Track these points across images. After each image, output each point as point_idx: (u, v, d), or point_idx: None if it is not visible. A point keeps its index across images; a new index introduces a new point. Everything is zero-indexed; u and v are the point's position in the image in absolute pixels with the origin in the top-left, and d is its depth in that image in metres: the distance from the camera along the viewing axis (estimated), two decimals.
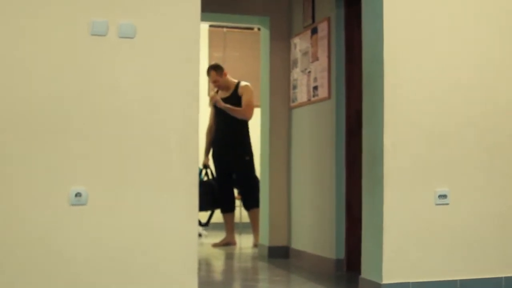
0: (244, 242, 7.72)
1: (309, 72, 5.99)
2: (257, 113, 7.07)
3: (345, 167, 5.47)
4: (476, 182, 4.42)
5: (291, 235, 6.35)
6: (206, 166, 7.69)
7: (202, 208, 6.53)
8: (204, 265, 5.95)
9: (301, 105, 6.14)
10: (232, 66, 8.82)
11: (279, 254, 6.34)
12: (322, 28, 5.75)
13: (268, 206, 6.44)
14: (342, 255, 5.46)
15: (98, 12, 3.80)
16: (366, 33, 4.49)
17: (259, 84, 6.82)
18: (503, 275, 4.42)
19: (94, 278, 3.75)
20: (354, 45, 5.40)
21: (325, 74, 5.67)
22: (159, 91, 3.90)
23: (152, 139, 3.87)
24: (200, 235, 8.23)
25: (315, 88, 5.84)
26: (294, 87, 6.31)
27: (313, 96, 5.88)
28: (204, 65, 8.42)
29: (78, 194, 3.72)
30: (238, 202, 7.79)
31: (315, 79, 5.85)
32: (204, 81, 8.58)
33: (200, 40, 3.98)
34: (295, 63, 6.31)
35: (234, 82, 7.29)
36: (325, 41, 5.69)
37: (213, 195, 7.45)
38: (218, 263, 6.31)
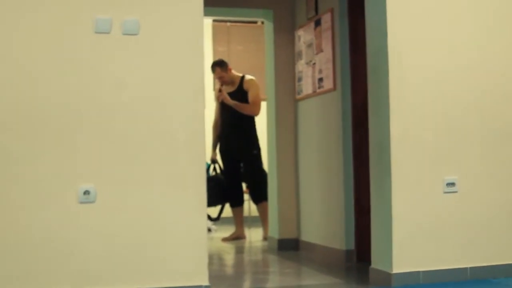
0: (254, 236, 7.73)
1: (314, 64, 5.98)
2: (263, 106, 7.07)
3: (352, 158, 5.47)
4: (484, 169, 4.41)
5: (301, 227, 6.35)
6: (214, 161, 7.69)
7: (211, 203, 6.54)
8: (215, 260, 5.96)
9: (307, 97, 6.14)
10: (237, 60, 8.81)
11: (289, 247, 6.34)
12: (326, 19, 5.74)
13: (276, 199, 6.45)
14: (352, 246, 5.46)
15: (102, 10, 3.81)
16: (370, 23, 4.48)
17: (264, 78, 6.81)
18: None
19: (104, 275, 3.77)
20: (358, 35, 5.38)
21: (330, 65, 5.66)
22: (165, 87, 3.91)
23: (159, 135, 3.88)
24: (209, 230, 8.24)
25: (320, 79, 5.84)
26: (299, 79, 6.31)
27: (319, 88, 5.87)
28: (208, 60, 8.42)
29: (86, 192, 3.74)
30: (246, 196, 7.80)
31: (320, 71, 5.84)
32: (209, 76, 8.58)
33: (204, 35, 3.99)
34: (300, 55, 6.31)
35: (239, 76, 7.28)
36: (329, 32, 5.67)
37: (221, 189, 7.45)
38: (229, 257, 6.32)
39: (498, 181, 4.44)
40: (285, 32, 6.50)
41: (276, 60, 6.49)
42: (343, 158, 5.49)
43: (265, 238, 7.16)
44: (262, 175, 7.22)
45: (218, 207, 8.00)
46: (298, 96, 6.35)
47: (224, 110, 7.25)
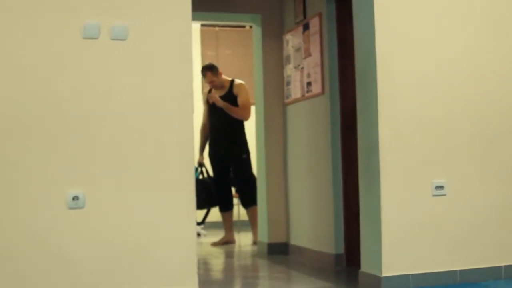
0: (243, 240, 7.72)
1: (302, 68, 5.99)
2: (252, 110, 7.07)
3: (341, 162, 5.48)
4: (473, 172, 4.43)
5: (290, 231, 6.35)
6: (201, 164, 7.68)
7: (197, 206, 6.52)
8: (204, 264, 5.95)
9: (296, 101, 6.14)
10: (225, 65, 8.80)
11: (279, 251, 6.34)
12: (314, 23, 5.75)
13: (266, 203, 6.44)
14: (342, 250, 5.46)
15: (90, 15, 3.80)
16: (358, 27, 4.49)
17: (252, 82, 6.82)
18: (503, 264, 4.44)
19: (94, 280, 3.75)
20: (346, 39, 5.40)
21: (318, 69, 5.67)
22: (154, 91, 3.90)
23: (148, 140, 3.88)
24: (199, 234, 8.22)
25: (309, 84, 5.84)
26: (288, 84, 6.31)
27: (307, 92, 5.88)
28: (196, 64, 8.41)
29: (75, 198, 3.73)
30: (236, 201, 7.79)
31: (309, 75, 5.85)
32: (197, 80, 8.58)
33: (192, 40, 3.99)
34: (288, 59, 6.31)
35: (229, 80, 7.28)
36: (317, 37, 5.69)
37: (208, 193, 7.45)
38: (218, 261, 6.31)
39: (486, 184, 4.46)
40: (273, 37, 6.51)
41: (264, 64, 6.49)
42: (332, 162, 5.49)
43: (254, 243, 7.16)
44: (252, 180, 7.21)
45: (204, 210, 8.00)
46: (286, 100, 6.35)
47: (212, 113, 7.24)
